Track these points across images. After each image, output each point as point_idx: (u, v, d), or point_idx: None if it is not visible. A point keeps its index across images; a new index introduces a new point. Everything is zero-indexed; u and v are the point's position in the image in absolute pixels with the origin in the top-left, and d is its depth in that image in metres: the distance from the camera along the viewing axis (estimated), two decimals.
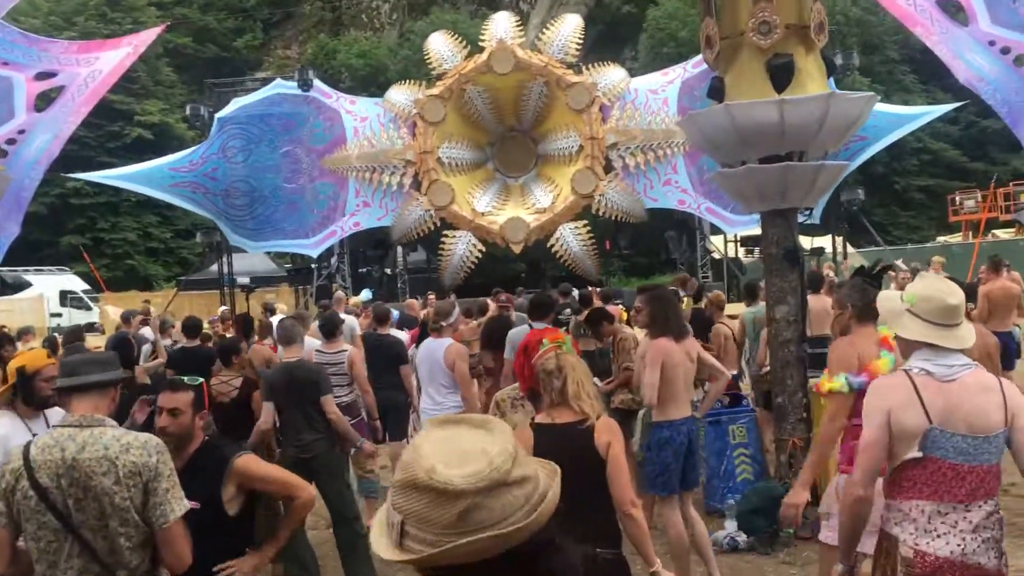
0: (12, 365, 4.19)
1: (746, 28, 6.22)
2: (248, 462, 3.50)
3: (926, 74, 39.24)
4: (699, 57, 20.38)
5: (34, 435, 3.94)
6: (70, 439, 2.84)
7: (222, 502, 3.42)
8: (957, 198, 32.44)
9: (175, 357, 8.15)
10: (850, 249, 23.48)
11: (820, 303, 9.91)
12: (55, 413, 4.19)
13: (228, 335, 9.17)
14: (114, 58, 15.90)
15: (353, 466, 7.51)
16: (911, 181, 39.61)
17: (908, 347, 3.07)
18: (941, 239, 32.98)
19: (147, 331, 12.22)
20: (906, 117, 19.75)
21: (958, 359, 2.97)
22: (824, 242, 22.35)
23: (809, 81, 6.26)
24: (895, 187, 38.73)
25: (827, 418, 4.22)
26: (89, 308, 29.77)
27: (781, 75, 6.15)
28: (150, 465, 2.85)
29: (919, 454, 2.92)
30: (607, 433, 3.46)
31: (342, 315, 9.65)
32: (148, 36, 17.19)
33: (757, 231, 13.75)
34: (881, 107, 18.53)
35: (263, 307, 14.05)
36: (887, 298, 3.30)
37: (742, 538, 6.30)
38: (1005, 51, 11.56)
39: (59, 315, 29.41)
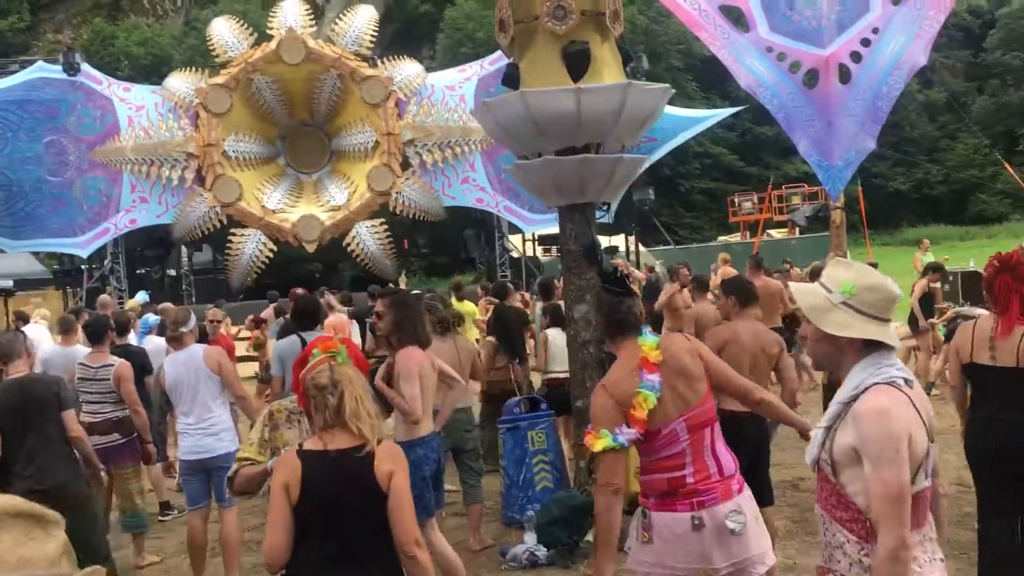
0: None
1: (540, 12, 5.89)
2: None
3: (707, 83, 41.46)
4: (496, 54, 20.40)
5: None
6: None
7: None
8: (736, 200, 34.32)
9: None
10: (642, 248, 24.17)
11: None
12: None
13: None
14: None
15: (116, 496, 6.64)
16: (694, 183, 41.73)
17: (846, 351, 2.50)
18: (722, 238, 34.78)
19: None
20: (693, 120, 20.48)
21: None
22: (617, 241, 22.84)
23: (605, 70, 6.02)
24: (680, 189, 40.64)
25: (599, 485, 3.51)
26: None
27: (577, 62, 5.87)
28: None
29: (927, 482, 2.47)
30: (389, 460, 2.94)
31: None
32: None
33: (555, 230, 13.69)
34: (670, 109, 19.12)
35: (14, 315, 12.52)
36: (807, 292, 2.59)
37: (542, 552, 5.96)
38: (781, 57, 11.98)
39: None
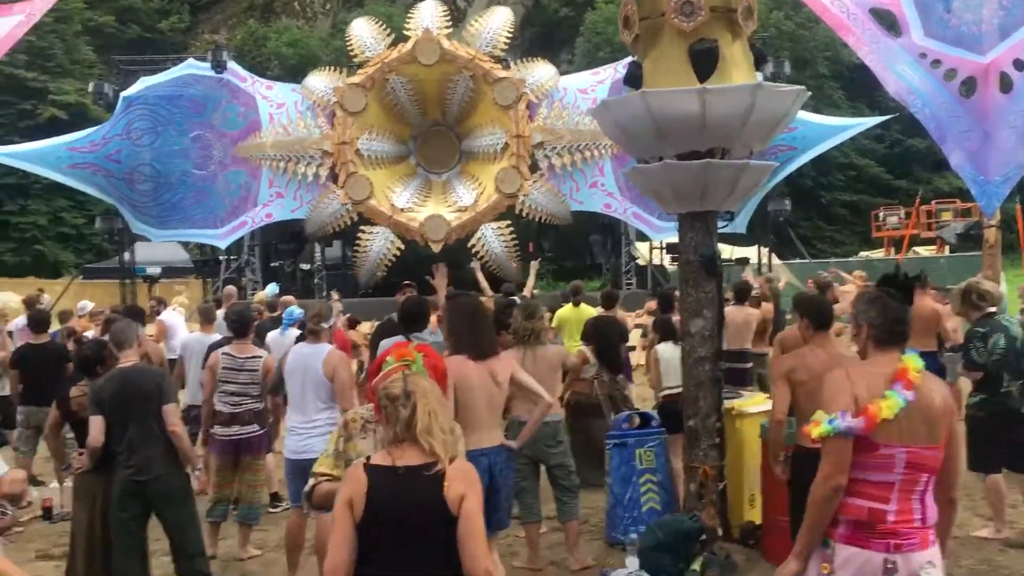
0: None
1: (667, 8, 5.57)
2: None
3: (854, 91, 39.71)
4: (632, 58, 19.92)
5: None
6: None
7: None
8: (880, 214, 32.69)
9: (22, 354, 7.18)
10: (776, 261, 23.26)
11: (742, 315, 9.44)
12: None
13: (90, 332, 8.21)
14: (4, 25, 14.64)
15: (240, 485, 6.69)
16: (836, 196, 40.03)
17: None
18: (864, 254, 33.20)
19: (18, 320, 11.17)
20: (836, 128, 19.48)
21: None
22: (749, 253, 22.05)
23: (735, 70, 5.64)
24: (821, 201, 39.07)
25: (820, 475, 3.18)
26: None
27: (704, 62, 5.52)
28: None
29: None
30: (461, 482, 2.71)
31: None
32: (44, 4, 16.00)
33: None
34: (812, 117, 18.29)
35: (154, 300, 13.01)
36: None
37: None
38: (936, 64, 11.17)
39: None
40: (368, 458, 2.83)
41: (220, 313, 8.85)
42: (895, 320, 3.27)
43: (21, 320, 11.40)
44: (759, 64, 6.03)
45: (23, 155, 19.56)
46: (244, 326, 6.70)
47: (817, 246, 36.63)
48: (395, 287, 16.13)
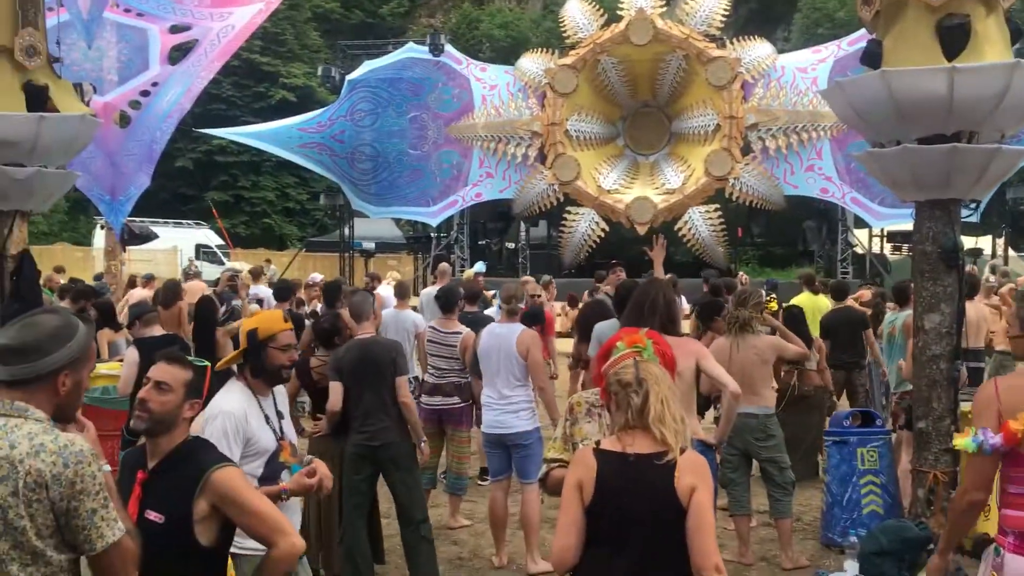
0: (243, 328, 3.66)
1: None
2: (229, 478, 2.75)
3: None
4: (857, 35, 18.90)
5: (266, 416, 3.54)
6: None
7: (191, 523, 2.71)
8: None
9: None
10: (1012, 253, 21.40)
11: (976, 311, 8.72)
12: (279, 391, 3.77)
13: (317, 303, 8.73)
14: (246, 14, 15.78)
15: (448, 456, 6.95)
16: None
17: None
18: None
19: (261, 288, 12.05)
20: None
21: None
22: (983, 243, 20.41)
23: (988, 47, 5.18)
24: None
25: (960, 489, 3.36)
26: (222, 263, 30.55)
27: (954, 38, 5.09)
28: (62, 478, 2.18)
29: None
30: (692, 474, 2.66)
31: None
32: None
33: (906, 226, 12.42)
34: None
35: (368, 275, 13.68)
36: None
37: None
38: None
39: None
40: (597, 443, 2.82)
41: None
42: None
43: (255, 289, 12.33)
44: (1015, 40, 5.51)
45: (257, 135, 21.12)
46: (451, 303, 6.90)
47: None
48: (597, 268, 16.21)
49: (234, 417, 3.40)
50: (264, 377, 3.58)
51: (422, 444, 5.66)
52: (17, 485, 2.17)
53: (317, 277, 12.98)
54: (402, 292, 8.39)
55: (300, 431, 6.08)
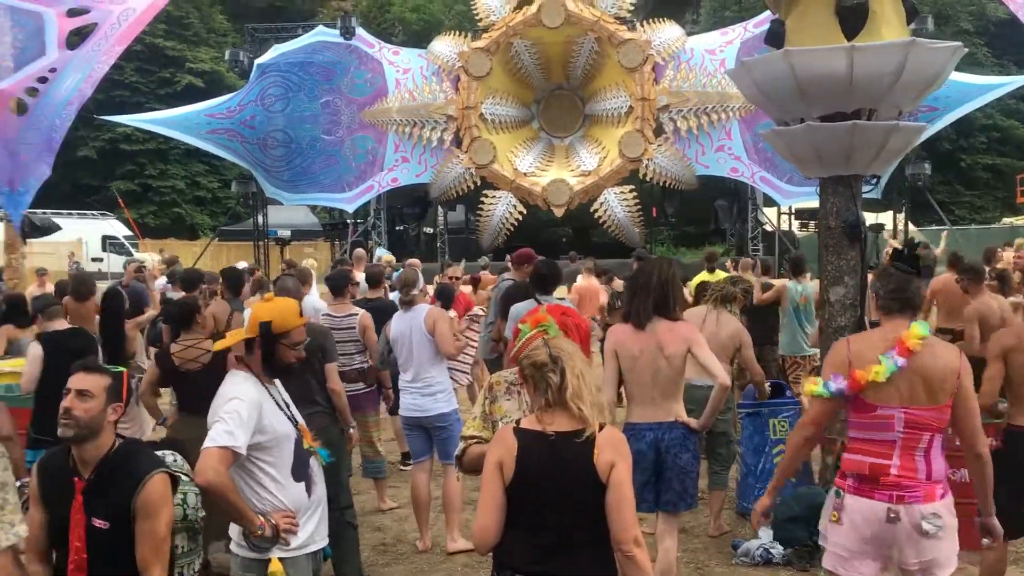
0: (256, 315, 3.42)
1: None
2: (159, 488, 2.90)
3: (1000, 48, 37.38)
4: (762, 16, 19.32)
5: (277, 404, 3.40)
6: None
7: (135, 526, 2.87)
8: None
9: (170, 311, 7.52)
10: (912, 228, 22.25)
11: (988, 308, 8.99)
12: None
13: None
14: None
15: (359, 444, 6.90)
16: (977, 159, 37.89)
17: None
18: (1007, 220, 31.39)
19: (160, 282, 11.75)
20: (982, 88, 18.41)
21: None
22: (884, 218, 21.15)
23: (885, 27, 5.35)
24: (961, 164, 37.08)
25: (798, 424, 3.84)
26: (130, 254, 29.64)
27: (853, 18, 5.26)
28: None
29: None
30: (610, 450, 2.69)
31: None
32: None
33: (813, 203, 12.82)
34: (955, 76, 17.28)
35: (284, 263, 13.48)
36: None
37: (777, 550, 5.54)
38: None
39: (100, 259, 29.34)
40: (518, 422, 2.84)
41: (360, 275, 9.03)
42: (895, 290, 3.55)
43: (162, 280, 12.02)
44: (911, 19, 5.71)
45: (164, 121, 20.53)
46: (341, 286, 6.82)
47: (956, 212, 34.85)
48: (515, 251, 16.27)
49: (248, 403, 3.24)
50: (270, 371, 3.43)
51: (351, 430, 5.60)
52: None
53: (243, 264, 12.73)
54: (303, 278, 8.30)
55: (162, 420, 5.95)
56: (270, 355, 3.38)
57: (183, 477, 3.58)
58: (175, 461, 3.64)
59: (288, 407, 3.49)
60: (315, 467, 3.50)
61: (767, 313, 8.89)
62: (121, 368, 3.10)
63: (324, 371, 5.30)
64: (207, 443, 3.13)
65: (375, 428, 6.99)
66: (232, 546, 3.37)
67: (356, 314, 6.71)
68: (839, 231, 5.59)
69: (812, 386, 3.56)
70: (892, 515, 3.35)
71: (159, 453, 3.58)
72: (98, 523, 2.85)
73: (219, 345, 3.65)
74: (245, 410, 3.20)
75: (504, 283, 8.01)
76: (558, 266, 6.40)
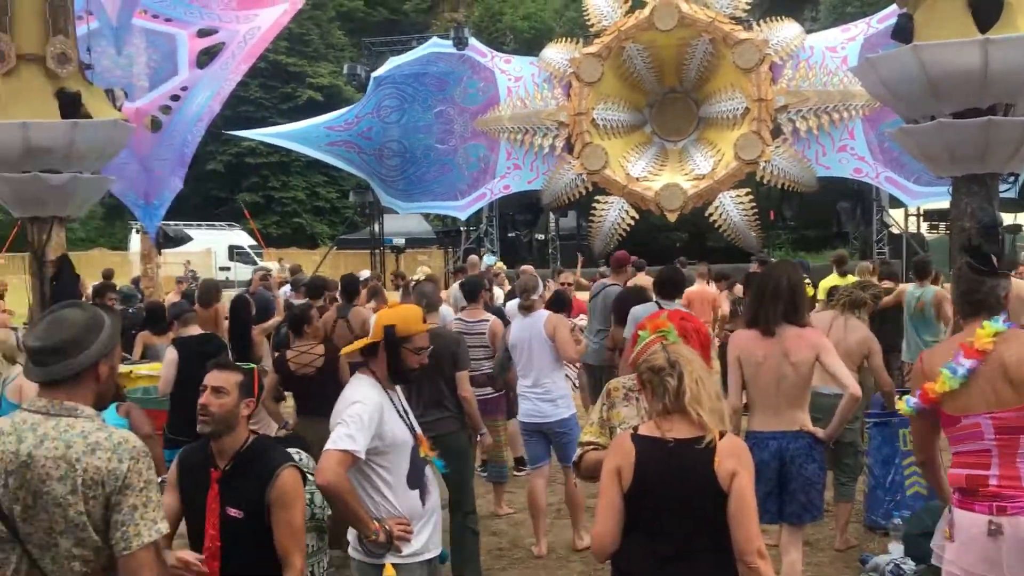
0: (381, 320, 3.42)
1: None
2: (292, 480, 3.04)
3: None
4: (887, 11, 18.58)
5: (397, 411, 3.44)
6: (31, 429, 2.27)
7: (267, 515, 3.01)
8: None
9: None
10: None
11: (1016, 288, 8.62)
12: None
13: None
14: (271, 15, 15.88)
15: (479, 450, 6.98)
16: None
17: None
18: None
19: (284, 289, 12.16)
20: None
21: None
22: (1022, 219, 20.07)
23: (1021, 18, 5.08)
24: None
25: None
26: (255, 263, 30.79)
27: (987, 10, 5.01)
28: (117, 473, 2.24)
29: None
30: (732, 458, 2.63)
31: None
32: None
33: (943, 204, 12.24)
34: None
35: (392, 275, 13.75)
36: None
37: (909, 566, 5.30)
38: None
39: (227, 268, 30.60)
40: (635, 428, 2.81)
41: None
42: (966, 292, 3.39)
43: (287, 288, 12.43)
44: None
45: (286, 135, 21.27)
46: (475, 292, 6.91)
47: None
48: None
49: (371, 407, 3.26)
50: (393, 376, 3.44)
51: (480, 435, 5.66)
52: (76, 483, 2.22)
53: (366, 273, 13.08)
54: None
55: (284, 424, 6.12)
56: (394, 359, 3.39)
57: (309, 476, 3.69)
58: (301, 460, 3.75)
59: (407, 414, 3.50)
60: (430, 476, 3.51)
61: (892, 319, 8.57)
62: (252, 365, 3.23)
63: (455, 378, 5.37)
64: (328, 445, 3.19)
65: (503, 432, 7.06)
66: (350, 549, 3.44)
67: (487, 320, 6.81)
68: (974, 232, 5.32)
69: (900, 404, 3.45)
70: (993, 527, 3.12)
71: (294, 451, 3.73)
72: (233, 512, 2.99)
73: (346, 350, 3.70)
74: (367, 414, 3.23)
75: (609, 289, 7.96)
76: (681, 272, 6.36)
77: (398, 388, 3.54)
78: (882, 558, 5.43)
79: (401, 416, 3.44)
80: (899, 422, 6.10)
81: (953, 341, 3.38)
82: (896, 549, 5.42)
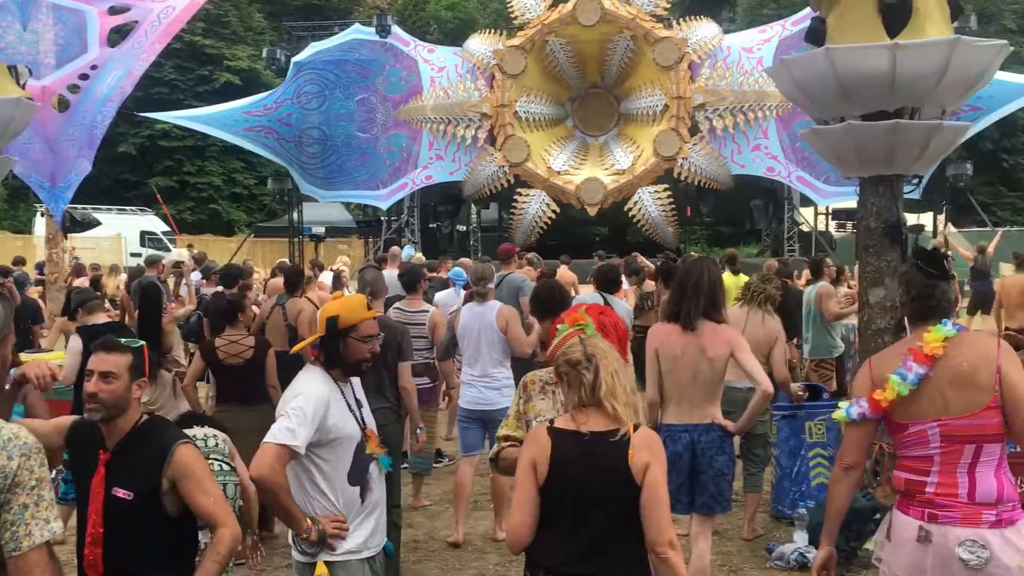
0: (323, 313, 3.35)
1: None
2: (191, 455, 2.88)
3: None
4: (800, 14, 19.10)
5: (348, 405, 3.30)
6: None
7: (160, 496, 2.85)
8: None
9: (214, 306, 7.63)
10: (952, 228, 21.87)
11: (1014, 286, 9.19)
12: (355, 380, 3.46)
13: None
14: None
15: (410, 444, 6.93)
16: (1020, 160, 37.23)
17: None
18: None
19: (195, 277, 11.87)
20: None
21: None
22: (924, 220, 20.84)
23: (929, 24, 5.25)
24: (1003, 165, 36.42)
25: (838, 454, 3.36)
26: (168, 250, 29.96)
27: (896, 15, 5.17)
28: (7, 470, 2.13)
29: None
30: (646, 450, 2.66)
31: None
32: None
33: (851, 204, 12.64)
34: (999, 75, 16.95)
35: (310, 263, 13.55)
36: None
37: (812, 554, 5.44)
38: None
39: (138, 255, 29.70)
40: (551, 421, 2.82)
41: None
42: (917, 296, 3.22)
43: (197, 275, 12.14)
44: (955, 16, 5.61)
45: (202, 119, 20.75)
46: (414, 282, 6.87)
47: (997, 214, 34.23)
48: (550, 250, 16.28)
49: (315, 401, 3.16)
50: (341, 368, 3.32)
51: (419, 431, 5.61)
52: None
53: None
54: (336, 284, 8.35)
55: (202, 412, 6.01)
56: (340, 352, 3.28)
57: (225, 460, 3.58)
58: (216, 445, 3.61)
59: (359, 408, 3.40)
60: (374, 473, 3.40)
61: (793, 314, 8.83)
62: (141, 341, 3.04)
63: (397, 368, 5.31)
64: (267, 438, 3.09)
65: (434, 423, 7.06)
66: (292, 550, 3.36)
67: (427, 311, 6.78)
68: (879, 232, 5.50)
69: (837, 412, 3.29)
70: (922, 534, 3.05)
71: (202, 430, 3.60)
72: (121, 494, 2.81)
73: (295, 349, 3.63)
74: (311, 408, 3.14)
75: (510, 277, 7.99)
76: (616, 266, 6.45)
77: (353, 381, 3.43)
78: (787, 547, 5.58)
79: (351, 410, 3.34)
80: (806, 415, 6.29)
81: (901, 346, 3.27)
82: (801, 538, 5.59)
